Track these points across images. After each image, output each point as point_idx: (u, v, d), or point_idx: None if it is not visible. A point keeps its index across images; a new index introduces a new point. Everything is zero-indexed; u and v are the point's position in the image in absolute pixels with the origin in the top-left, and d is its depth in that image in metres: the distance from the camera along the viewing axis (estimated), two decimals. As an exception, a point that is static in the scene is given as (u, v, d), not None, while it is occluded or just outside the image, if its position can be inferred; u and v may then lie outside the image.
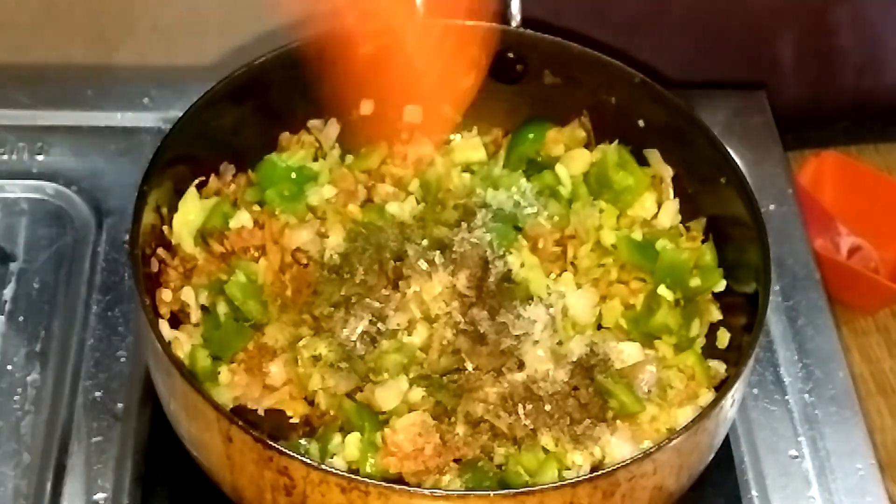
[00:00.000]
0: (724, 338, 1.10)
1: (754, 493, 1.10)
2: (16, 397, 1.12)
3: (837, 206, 1.42)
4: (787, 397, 1.16)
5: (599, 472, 0.91)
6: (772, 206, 1.27)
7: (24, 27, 2.11)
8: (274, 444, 0.90)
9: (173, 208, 1.11)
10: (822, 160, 1.44)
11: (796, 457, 1.12)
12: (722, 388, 1.00)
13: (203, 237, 1.12)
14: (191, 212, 1.11)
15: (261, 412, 1.06)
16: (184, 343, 1.07)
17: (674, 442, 0.93)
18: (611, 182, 1.17)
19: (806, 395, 1.16)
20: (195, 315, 1.09)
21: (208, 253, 1.11)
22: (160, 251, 1.09)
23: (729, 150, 1.12)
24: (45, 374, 1.13)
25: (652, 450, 0.92)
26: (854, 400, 1.16)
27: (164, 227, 1.10)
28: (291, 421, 1.06)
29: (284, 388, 1.07)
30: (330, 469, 0.89)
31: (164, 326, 1.06)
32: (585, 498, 0.90)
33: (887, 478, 1.16)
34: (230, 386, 1.06)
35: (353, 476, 0.90)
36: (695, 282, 1.12)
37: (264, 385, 1.06)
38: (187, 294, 1.09)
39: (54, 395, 1.12)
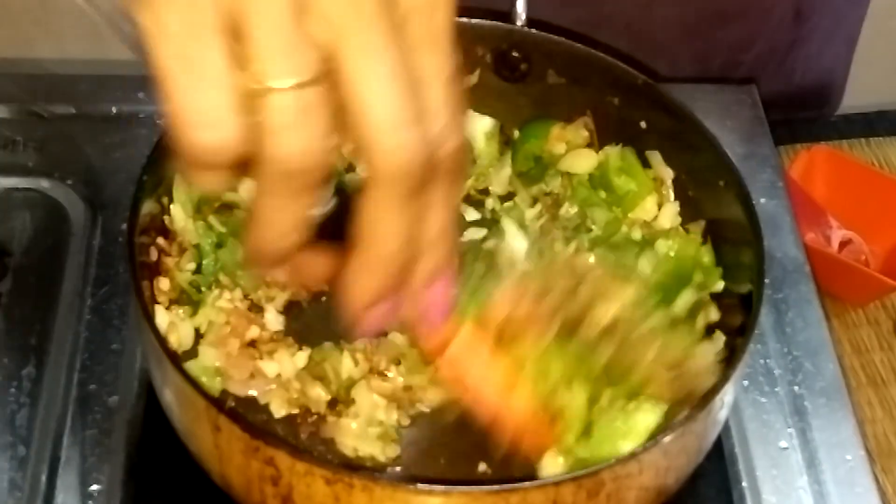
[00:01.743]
0: (719, 339, 1.10)
1: (744, 484, 1.11)
2: (11, 390, 1.12)
3: (828, 199, 1.42)
4: (776, 389, 1.16)
5: (583, 472, 0.91)
6: (762, 200, 1.28)
7: (20, 20, 2.12)
8: (260, 435, 0.91)
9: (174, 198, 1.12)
10: (813, 154, 1.45)
11: (786, 448, 1.13)
12: (710, 390, 1.00)
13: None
14: (182, 195, 1.12)
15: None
16: (179, 325, 1.08)
17: (660, 443, 0.93)
18: (612, 186, 1.18)
19: (796, 387, 1.16)
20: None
21: (203, 220, 1.12)
22: (160, 240, 1.10)
23: (721, 144, 1.13)
24: (41, 367, 1.13)
25: (637, 451, 0.93)
26: (844, 392, 1.17)
27: (165, 217, 1.11)
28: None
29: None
30: (315, 461, 0.90)
31: (160, 313, 1.07)
32: (569, 496, 0.91)
33: (877, 468, 1.17)
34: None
35: (337, 468, 0.90)
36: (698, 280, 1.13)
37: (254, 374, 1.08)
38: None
39: (49, 388, 1.12)
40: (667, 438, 0.93)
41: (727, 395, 0.99)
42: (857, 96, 1.65)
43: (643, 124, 1.18)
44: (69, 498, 1.05)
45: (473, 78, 1.23)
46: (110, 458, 1.08)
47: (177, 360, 0.97)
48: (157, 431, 1.07)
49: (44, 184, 1.27)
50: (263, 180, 0.72)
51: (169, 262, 1.10)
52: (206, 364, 1.08)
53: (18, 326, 1.17)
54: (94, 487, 1.06)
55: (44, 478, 1.07)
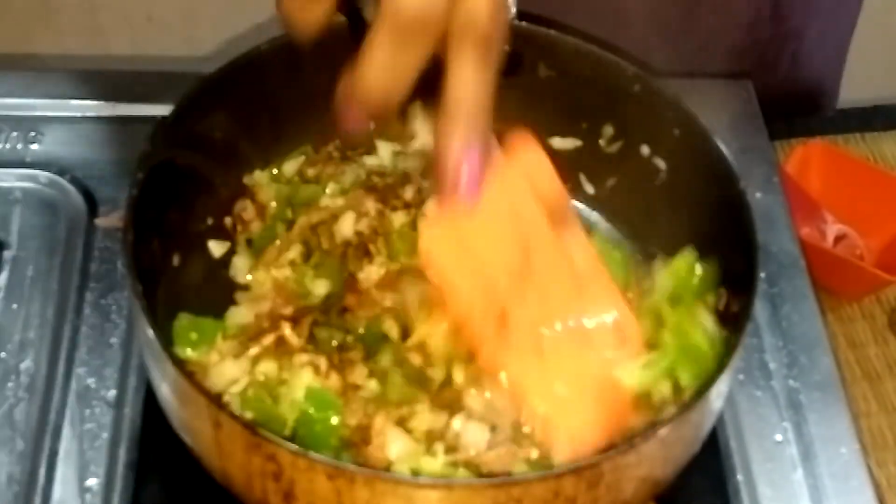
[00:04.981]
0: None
1: (740, 477, 1.11)
2: (9, 384, 1.12)
3: (823, 194, 1.43)
4: (771, 383, 1.16)
5: (583, 464, 0.92)
6: (758, 195, 1.28)
7: (20, 17, 2.12)
8: (261, 432, 0.91)
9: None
10: (809, 149, 1.45)
11: (781, 441, 1.13)
12: (707, 380, 1.00)
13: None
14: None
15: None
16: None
17: (658, 433, 0.94)
18: None
19: (791, 381, 1.17)
20: None
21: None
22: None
23: (716, 138, 1.13)
24: (39, 362, 1.14)
25: (636, 441, 0.93)
26: (839, 386, 1.17)
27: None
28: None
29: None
30: (316, 457, 0.90)
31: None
32: (570, 488, 0.91)
33: (871, 462, 1.18)
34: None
35: (339, 463, 0.90)
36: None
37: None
38: None
39: (47, 382, 1.12)
40: (664, 429, 0.94)
41: (723, 384, 1.00)
42: (852, 91, 1.66)
43: (635, 117, 1.19)
44: (67, 492, 1.06)
45: None
46: (108, 453, 1.09)
47: (176, 357, 0.97)
48: (156, 426, 1.07)
49: (42, 178, 1.27)
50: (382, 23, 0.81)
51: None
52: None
53: (16, 321, 1.17)
54: (92, 481, 1.07)
55: (42, 472, 1.07)
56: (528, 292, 0.98)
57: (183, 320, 1.07)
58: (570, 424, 0.99)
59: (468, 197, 0.89)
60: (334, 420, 1.00)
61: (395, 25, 0.82)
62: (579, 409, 1.00)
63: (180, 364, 0.97)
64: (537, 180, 0.99)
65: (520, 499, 0.90)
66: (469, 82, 0.86)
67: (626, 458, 0.93)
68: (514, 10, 1.19)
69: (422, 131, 0.92)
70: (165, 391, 1.01)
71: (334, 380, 1.02)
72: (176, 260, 1.13)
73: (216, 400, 0.94)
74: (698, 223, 1.15)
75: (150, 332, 0.97)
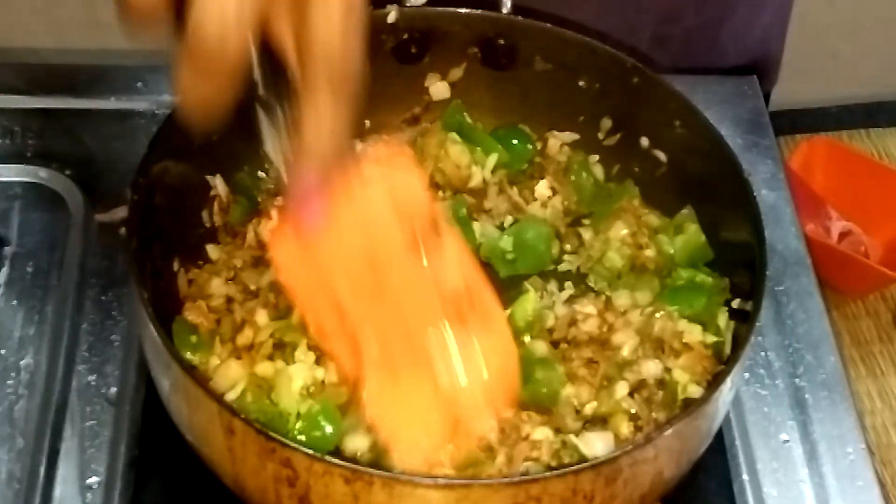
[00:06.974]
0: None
1: (745, 476, 1.11)
2: (9, 381, 1.12)
3: (828, 190, 1.43)
4: (777, 381, 1.16)
5: (602, 459, 0.92)
6: (763, 192, 1.28)
7: (19, 10, 2.12)
8: (276, 436, 0.90)
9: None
10: (814, 145, 1.45)
11: (787, 441, 1.13)
12: (720, 373, 1.01)
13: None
14: None
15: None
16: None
17: (675, 426, 0.94)
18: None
19: (796, 380, 1.16)
20: None
21: None
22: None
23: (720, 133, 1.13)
24: (39, 358, 1.13)
25: (653, 435, 0.93)
26: (844, 384, 1.17)
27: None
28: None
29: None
30: (334, 461, 0.89)
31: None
32: (588, 484, 0.91)
33: (875, 460, 1.17)
34: None
35: (357, 467, 0.90)
36: None
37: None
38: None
39: (48, 379, 1.12)
40: (681, 422, 0.94)
41: (735, 375, 1.00)
42: (856, 87, 1.65)
43: (635, 108, 1.19)
44: (68, 490, 1.05)
45: (459, 71, 1.23)
46: (109, 450, 1.08)
47: (186, 364, 0.97)
48: (157, 423, 1.06)
49: (42, 174, 1.27)
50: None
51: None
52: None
53: (16, 317, 1.16)
54: (93, 479, 1.06)
55: (42, 469, 1.06)
56: (380, 311, 0.98)
57: (182, 323, 1.06)
58: (410, 438, 0.99)
59: (314, 227, 0.89)
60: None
61: (193, 54, 0.79)
62: (423, 426, 0.99)
63: (191, 371, 0.96)
64: (404, 196, 0.99)
65: (539, 497, 0.89)
66: (324, 121, 0.83)
67: (643, 452, 0.93)
68: (509, 3, 1.19)
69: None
70: (173, 398, 1.00)
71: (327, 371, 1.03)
72: (175, 264, 1.12)
73: (229, 406, 0.93)
74: (701, 213, 1.16)
75: (159, 340, 0.96)
